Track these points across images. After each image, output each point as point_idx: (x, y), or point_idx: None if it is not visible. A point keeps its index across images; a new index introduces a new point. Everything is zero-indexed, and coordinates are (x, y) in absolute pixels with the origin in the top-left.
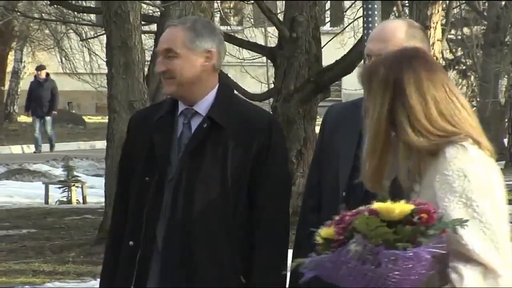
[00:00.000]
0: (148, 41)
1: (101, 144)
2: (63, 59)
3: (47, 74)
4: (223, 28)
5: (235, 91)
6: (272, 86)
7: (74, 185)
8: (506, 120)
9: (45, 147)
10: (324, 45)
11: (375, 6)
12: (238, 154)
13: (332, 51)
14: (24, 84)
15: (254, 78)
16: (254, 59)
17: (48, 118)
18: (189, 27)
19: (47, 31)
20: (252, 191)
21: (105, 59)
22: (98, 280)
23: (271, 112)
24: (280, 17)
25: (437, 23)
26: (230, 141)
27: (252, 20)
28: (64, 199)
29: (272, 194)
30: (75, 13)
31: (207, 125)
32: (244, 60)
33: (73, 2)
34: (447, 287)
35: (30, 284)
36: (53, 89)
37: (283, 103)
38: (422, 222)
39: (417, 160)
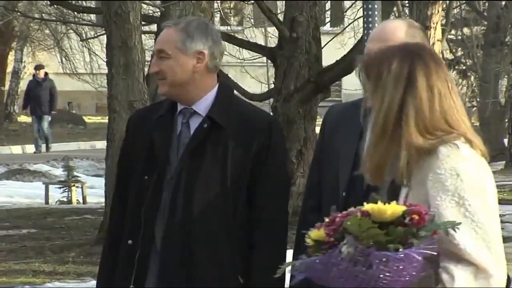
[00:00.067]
0: (148, 41)
1: (101, 144)
2: (63, 59)
3: (46, 74)
4: (223, 28)
5: (235, 91)
6: (272, 86)
7: (74, 185)
8: (506, 120)
9: (45, 147)
10: (324, 45)
11: (375, 6)
12: (238, 154)
13: (332, 51)
14: (24, 84)
15: (254, 78)
16: (254, 59)
17: (45, 117)
18: (182, 28)
19: (47, 31)
20: (252, 191)
21: (105, 59)
22: None
23: (271, 113)
24: (280, 17)
25: (437, 23)
26: (230, 141)
27: (252, 20)
28: (64, 199)
29: (271, 194)
30: (75, 13)
31: (207, 125)
32: (244, 60)
33: (73, 2)
34: None
35: (30, 284)
36: (52, 89)
37: (283, 103)
38: (414, 224)
39: (416, 157)
